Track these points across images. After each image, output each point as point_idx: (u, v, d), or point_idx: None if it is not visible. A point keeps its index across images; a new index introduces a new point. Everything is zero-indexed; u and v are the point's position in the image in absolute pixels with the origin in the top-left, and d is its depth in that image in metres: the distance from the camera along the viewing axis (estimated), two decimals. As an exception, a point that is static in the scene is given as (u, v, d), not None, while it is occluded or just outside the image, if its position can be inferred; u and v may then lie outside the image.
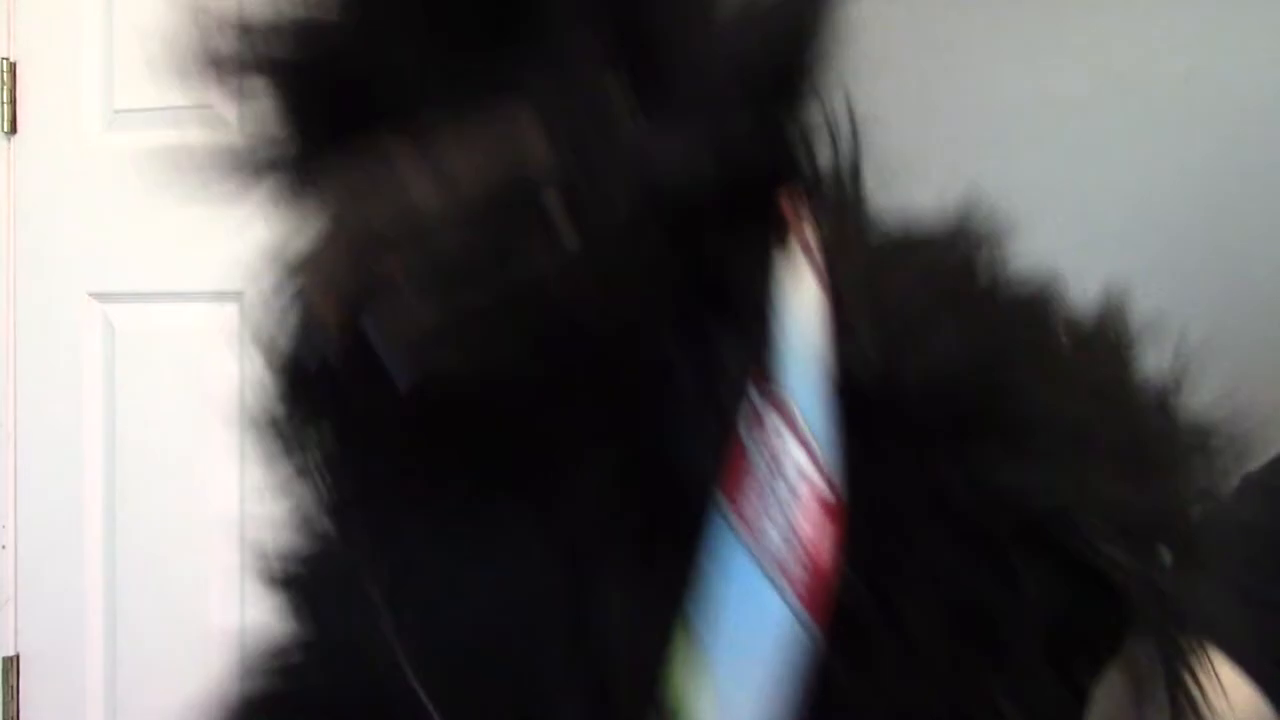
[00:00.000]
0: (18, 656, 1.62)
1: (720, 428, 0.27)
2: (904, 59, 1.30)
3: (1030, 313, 0.35)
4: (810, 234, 0.30)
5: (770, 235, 0.29)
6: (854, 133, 0.34)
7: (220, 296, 1.52)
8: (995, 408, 0.30)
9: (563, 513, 0.27)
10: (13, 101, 1.61)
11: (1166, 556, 0.29)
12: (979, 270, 0.35)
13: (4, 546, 1.62)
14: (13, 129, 1.61)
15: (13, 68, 1.61)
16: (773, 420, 0.27)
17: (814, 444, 0.27)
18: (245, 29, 0.27)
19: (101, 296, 1.58)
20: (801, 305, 0.28)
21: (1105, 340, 0.36)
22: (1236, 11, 1.23)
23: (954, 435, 0.28)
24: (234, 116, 0.30)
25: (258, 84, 0.27)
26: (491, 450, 0.28)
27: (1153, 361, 0.35)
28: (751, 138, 0.29)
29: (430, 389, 0.25)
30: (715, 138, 0.27)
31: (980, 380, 0.30)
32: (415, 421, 0.27)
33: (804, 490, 0.27)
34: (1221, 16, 1.23)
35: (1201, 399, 0.35)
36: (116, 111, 1.56)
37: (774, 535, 0.27)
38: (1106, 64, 1.25)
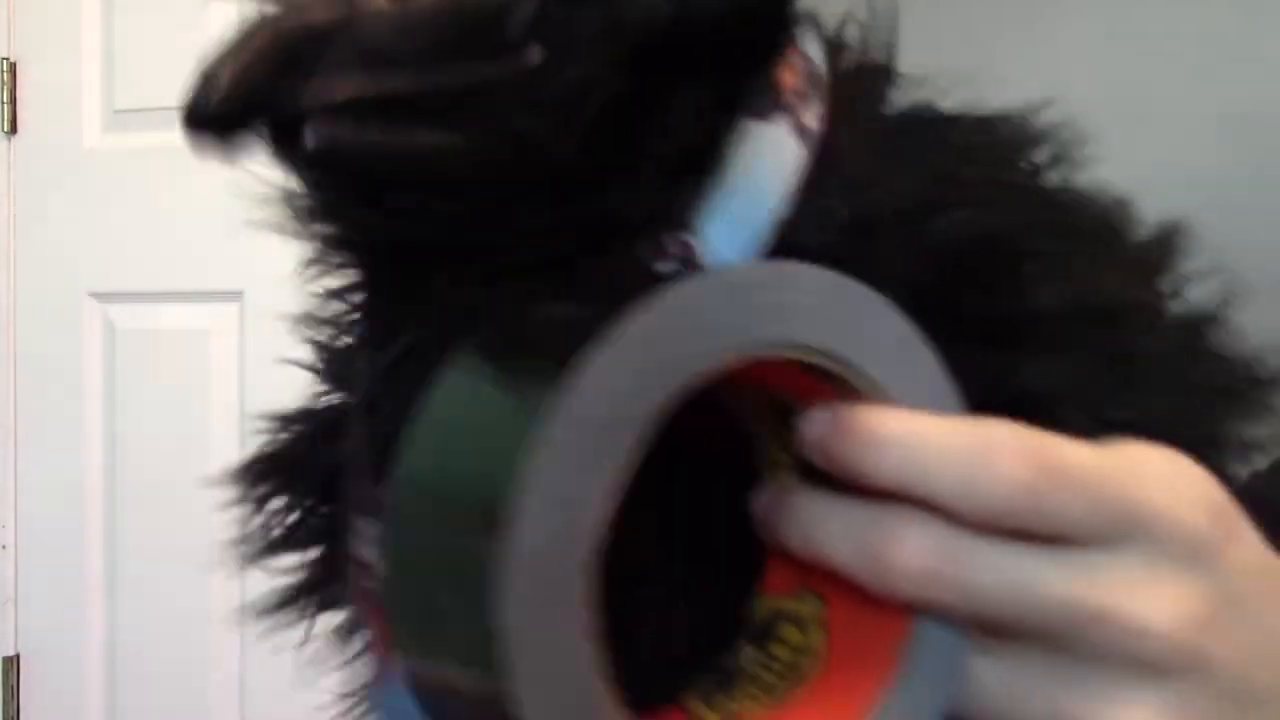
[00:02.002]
0: (18, 656, 1.62)
1: (625, 288, 0.26)
2: (904, 60, 1.29)
3: (1061, 208, 0.33)
4: (795, 84, 0.28)
5: (744, 83, 0.27)
6: None
7: (220, 296, 1.52)
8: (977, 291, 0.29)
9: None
10: (13, 101, 1.61)
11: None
12: (1012, 158, 0.33)
13: (4, 546, 1.62)
14: (13, 129, 1.61)
15: (13, 68, 1.61)
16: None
17: None
18: None
19: (101, 296, 1.58)
20: (764, 160, 0.27)
21: (1142, 257, 0.34)
22: (1236, 11, 1.22)
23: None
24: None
25: None
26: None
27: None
28: None
29: (340, 161, 0.24)
30: None
31: (965, 260, 0.29)
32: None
33: None
34: (1221, 16, 1.23)
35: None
36: (116, 111, 1.56)
37: None
38: (1106, 64, 1.24)
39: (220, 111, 0.23)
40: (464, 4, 0.24)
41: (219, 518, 0.36)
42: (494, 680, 0.22)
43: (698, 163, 0.27)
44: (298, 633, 0.35)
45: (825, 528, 0.26)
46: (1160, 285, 0.34)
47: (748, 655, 0.29)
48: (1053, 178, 0.34)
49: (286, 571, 0.34)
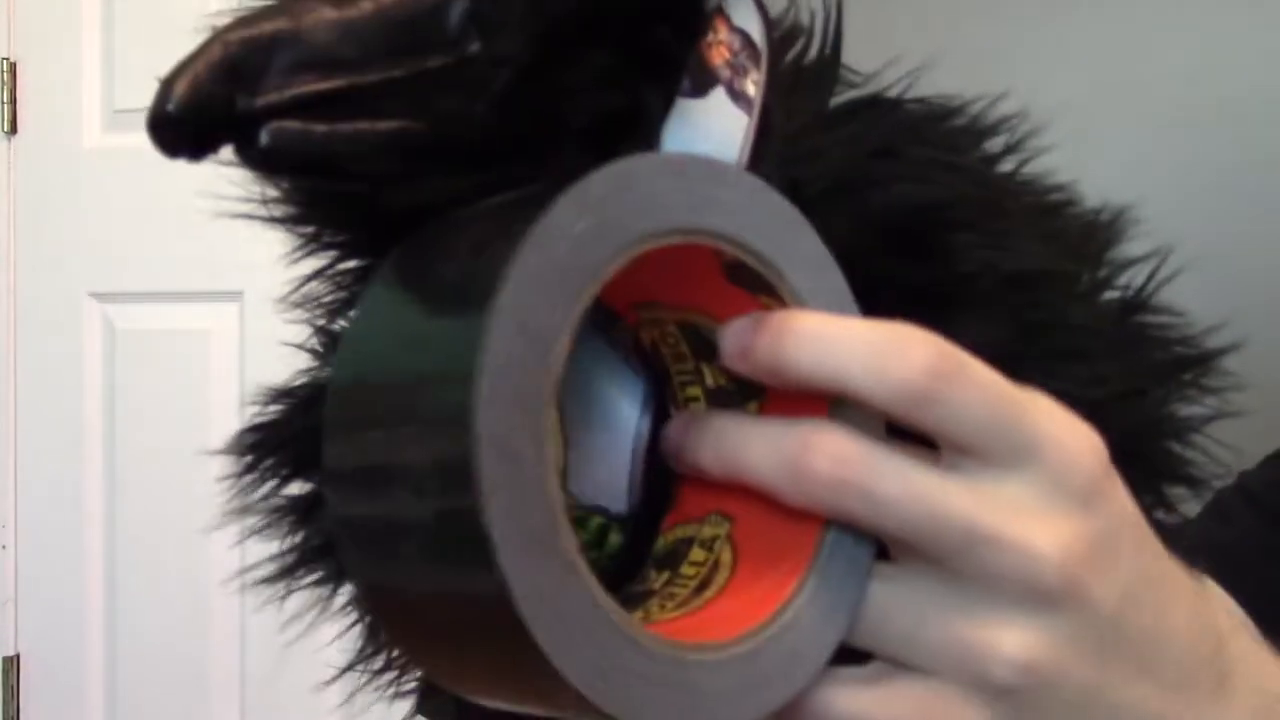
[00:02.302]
0: (18, 656, 1.62)
1: None
2: (903, 60, 1.30)
3: (1001, 189, 0.34)
4: (729, 57, 0.29)
5: (671, 52, 0.28)
6: None
7: (220, 296, 1.52)
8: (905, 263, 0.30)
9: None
10: (13, 101, 1.61)
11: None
12: (958, 142, 0.34)
13: (4, 546, 1.62)
14: (13, 129, 1.61)
15: (13, 68, 1.61)
16: None
17: None
18: None
19: (101, 296, 1.58)
20: (702, 130, 0.28)
21: (1082, 236, 0.35)
22: (1236, 11, 1.23)
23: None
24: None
25: None
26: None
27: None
28: None
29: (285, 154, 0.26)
30: None
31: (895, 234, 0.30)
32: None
33: None
34: (1221, 16, 1.23)
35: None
36: (116, 111, 1.56)
37: None
38: (1106, 64, 1.25)
39: (176, 117, 0.25)
40: (401, 7, 0.26)
41: (219, 517, 0.36)
42: (456, 498, 0.23)
43: (632, 133, 0.28)
44: (299, 619, 0.35)
45: (743, 442, 0.27)
46: (1099, 265, 0.35)
47: (656, 579, 0.30)
48: (1006, 165, 0.35)
49: (282, 539, 0.35)
